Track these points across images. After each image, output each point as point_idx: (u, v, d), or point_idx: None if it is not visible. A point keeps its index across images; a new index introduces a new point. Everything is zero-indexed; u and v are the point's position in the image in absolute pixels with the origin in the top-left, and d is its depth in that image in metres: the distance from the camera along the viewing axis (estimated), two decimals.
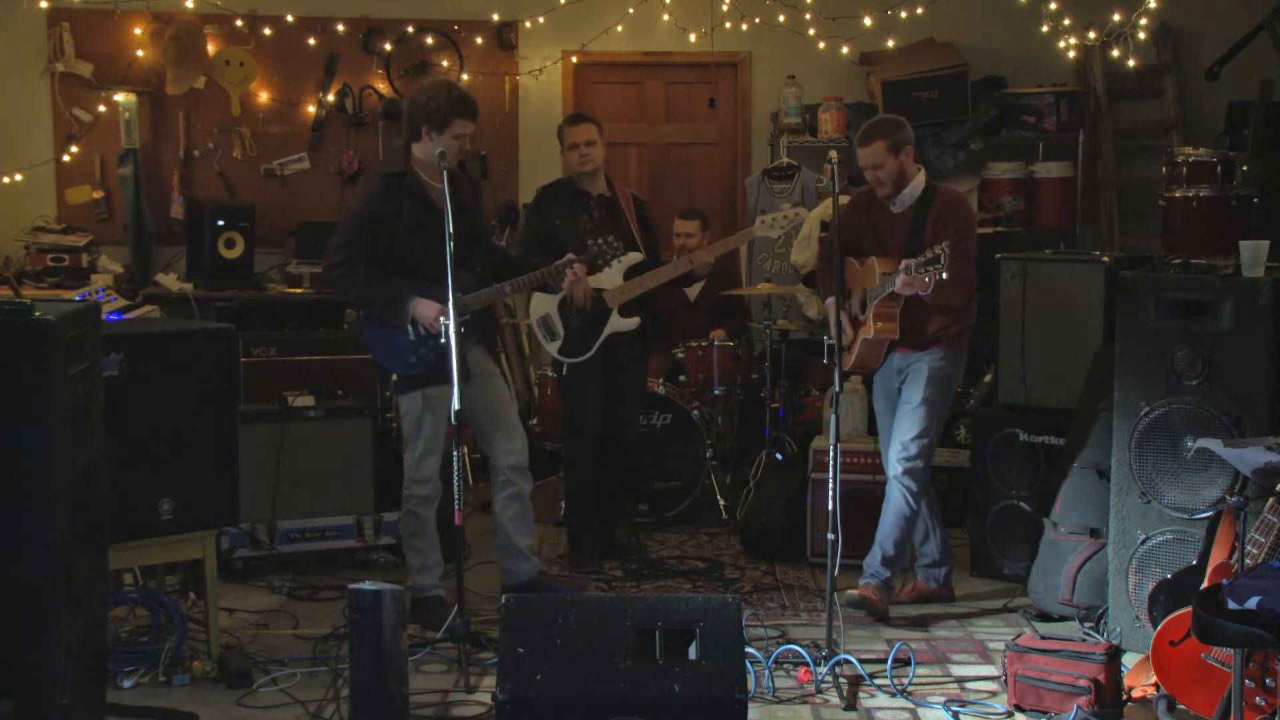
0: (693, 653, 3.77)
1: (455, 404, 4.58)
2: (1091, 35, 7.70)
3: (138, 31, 7.77)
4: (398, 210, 4.95)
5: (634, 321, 5.74)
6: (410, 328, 4.92)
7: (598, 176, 5.79)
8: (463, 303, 4.76)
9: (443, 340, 4.78)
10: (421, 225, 4.94)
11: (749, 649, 4.29)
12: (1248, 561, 3.82)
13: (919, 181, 5.14)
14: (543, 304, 5.75)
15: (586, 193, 5.78)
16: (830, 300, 5.02)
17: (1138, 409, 4.65)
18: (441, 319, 4.76)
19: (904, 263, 4.84)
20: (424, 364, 4.96)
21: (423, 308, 4.89)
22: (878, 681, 4.51)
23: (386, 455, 5.91)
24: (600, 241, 5.61)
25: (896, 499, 5.14)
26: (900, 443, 5.13)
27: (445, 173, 4.70)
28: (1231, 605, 3.41)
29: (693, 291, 6.80)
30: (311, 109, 7.95)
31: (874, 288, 5.06)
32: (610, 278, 5.70)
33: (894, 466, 5.14)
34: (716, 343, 6.69)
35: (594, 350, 5.72)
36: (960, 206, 5.17)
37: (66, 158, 7.80)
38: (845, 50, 7.92)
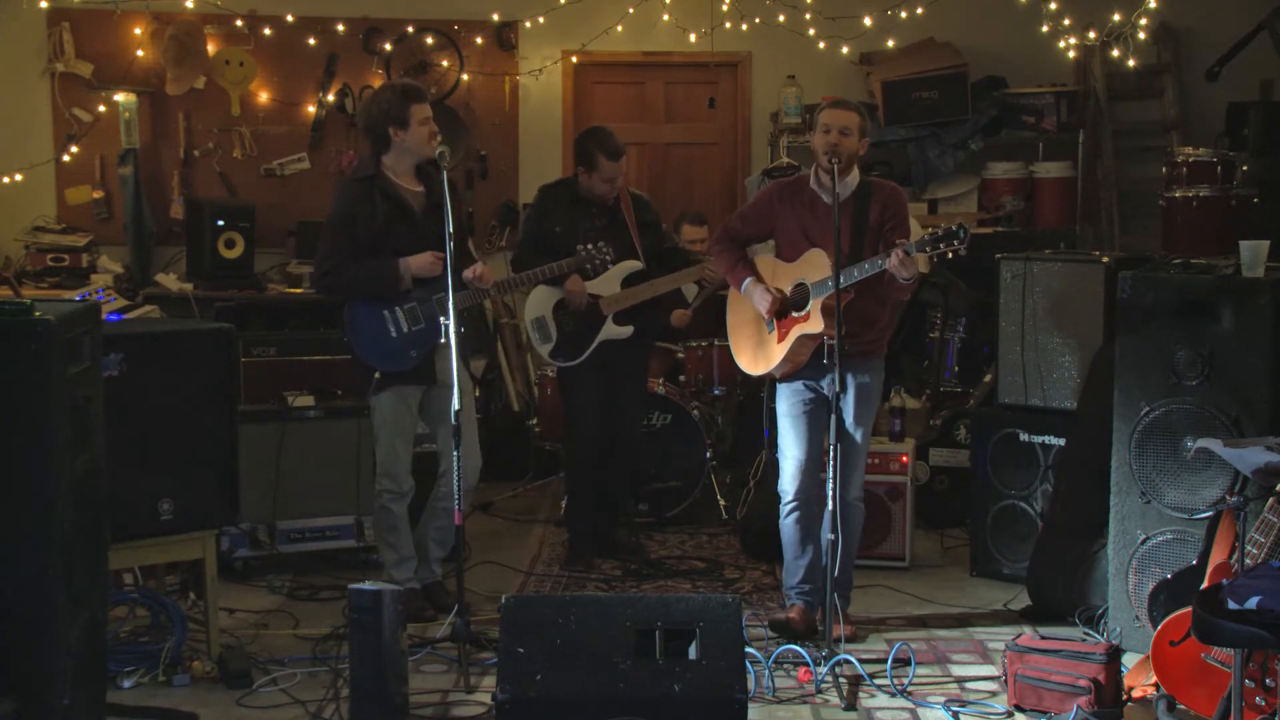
0: (693, 653, 3.77)
1: (455, 403, 4.62)
2: (1091, 35, 7.70)
3: (138, 31, 7.77)
4: (371, 212, 5.00)
5: (628, 330, 5.73)
6: (395, 316, 4.99)
7: None
8: (440, 301, 4.87)
9: (442, 340, 4.81)
10: (396, 227, 5.02)
11: (749, 649, 4.29)
12: (1248, 561, 3.83)
13: (857, 173, 4.92)
14: (538, 306, 5.74)
15: (589, 199, 5.77)
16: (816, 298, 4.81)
17: (1138, 409, 4.65)
18: (443, 320, 4.77)
19: (905, 242, 4.56)
20: (417, 360, 5.02)
21: (416, 261, 4.98)
22: (878, 681, 4.51)
23: None
24: (590, 247, 5.47)
25: (857, 521, 4.96)
26: (860, 466, 4.95)
27: (445, 174, 4.78)
28: (1231, 605, 3.42)
29: (690, 293, 6.80)
30: (311, 109, 7.95)
31: (820, 279, 4.74)
32: (607, 284, 5.69)
33: (854, 490, 4.92)
34: (716, 342, 6.68)
35: (586, 355, 5.72)
36: (903, 196, 4.99)
37: (66, 158, 7.80)
38: (845, 50, 7.92)
